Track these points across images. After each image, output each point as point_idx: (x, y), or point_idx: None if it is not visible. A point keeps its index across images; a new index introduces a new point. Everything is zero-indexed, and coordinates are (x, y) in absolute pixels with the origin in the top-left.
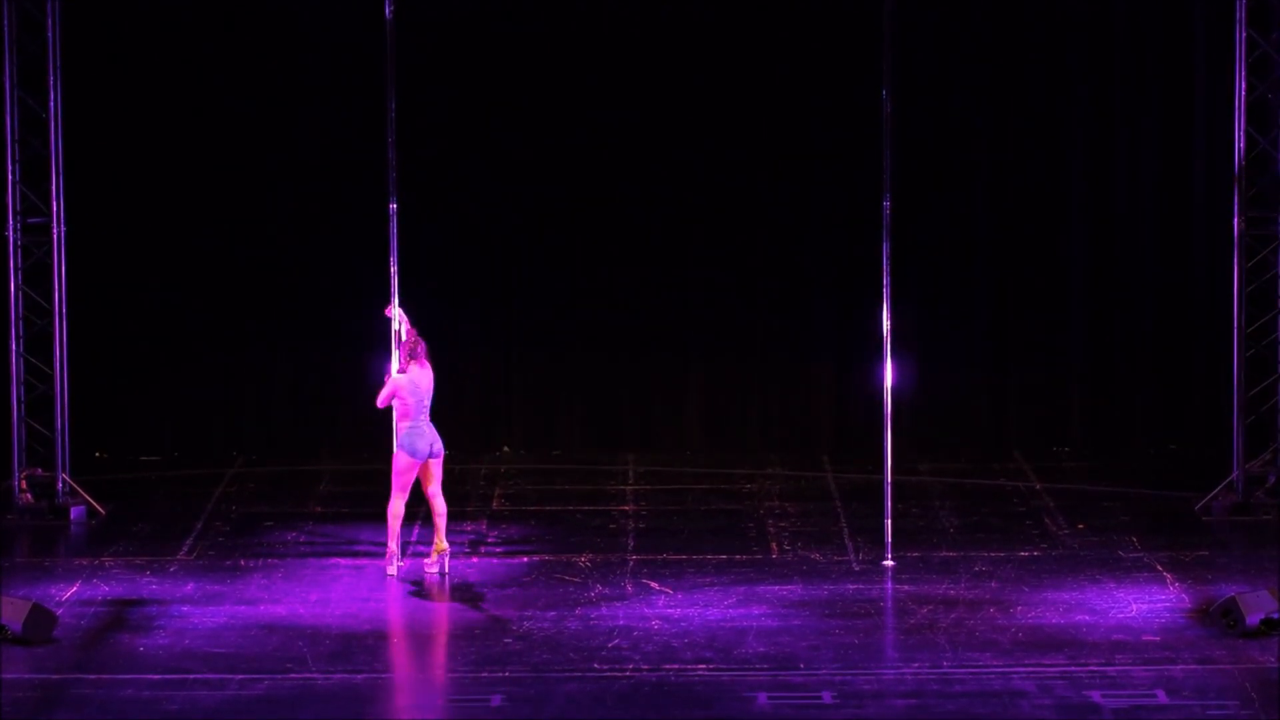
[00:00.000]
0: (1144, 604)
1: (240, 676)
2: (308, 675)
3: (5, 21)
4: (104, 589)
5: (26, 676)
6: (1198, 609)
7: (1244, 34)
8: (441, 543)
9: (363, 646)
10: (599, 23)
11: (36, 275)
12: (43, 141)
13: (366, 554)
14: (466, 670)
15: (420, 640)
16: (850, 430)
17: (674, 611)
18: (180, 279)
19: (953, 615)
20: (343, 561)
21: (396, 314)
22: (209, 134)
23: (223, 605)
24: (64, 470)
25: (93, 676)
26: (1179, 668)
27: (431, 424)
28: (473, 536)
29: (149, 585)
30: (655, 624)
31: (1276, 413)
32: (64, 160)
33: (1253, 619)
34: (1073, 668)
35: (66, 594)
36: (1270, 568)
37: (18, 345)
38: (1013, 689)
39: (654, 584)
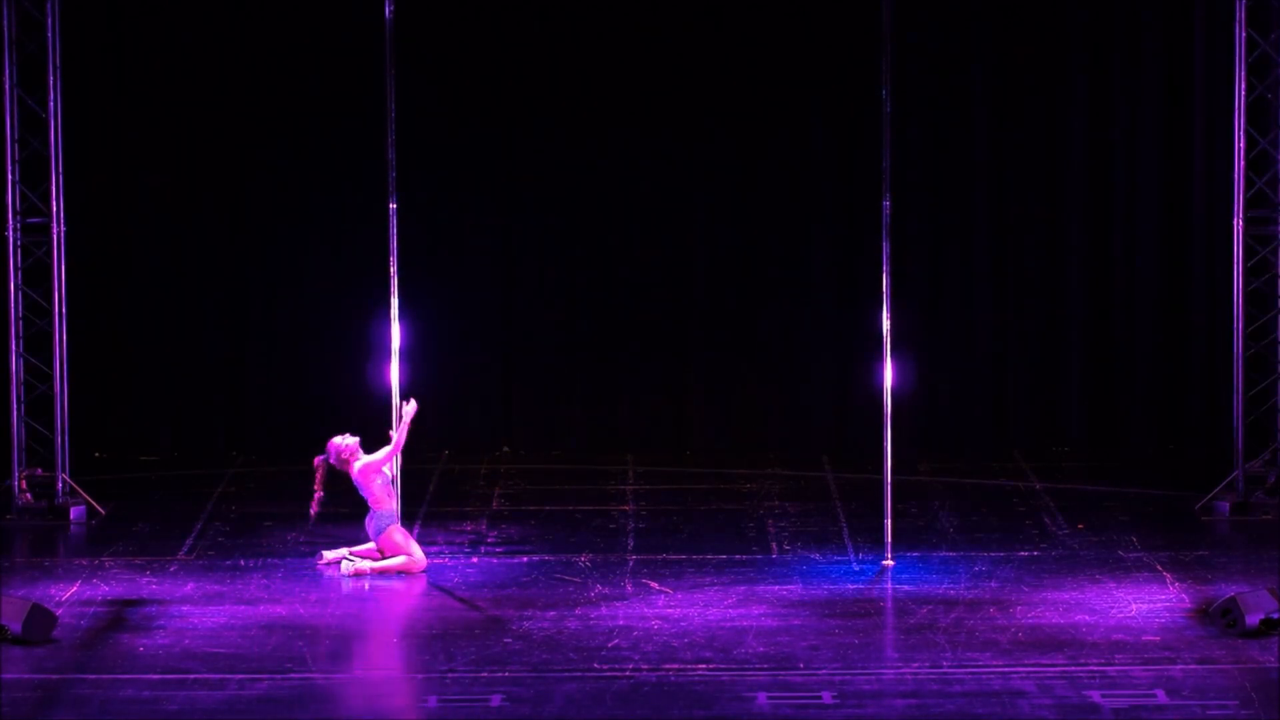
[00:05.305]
0: (1144, 604)
1: (240, 676)
2: (308, 675)
3: (5, 21)
4: (104, 589)
5: (26, 677)
6: (1197, 609)
7: (1244, 34)
8: (357, 560)
9: (363, 646)
10: (598, 22)
11: (36, 275)
12: (42, 141)
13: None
14: (466, 670)
15: (420, 640)
16: (850, 430)
17: (674, 611)
18: (180, 279)
19: (952, 615)
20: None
21: (409, 412)
22: (209, 134)
23: (223, 605)
24: (64, 470)
25: (92, 677)
26: (1179, 668)
27: (372, 513)
28: (473, 536)
29: (149, 585)
30: (655, 624)
31: (1276, 413)
32: (64, 160)
33: (1252, 619)
34: (1072, 668)
35: (66, 594)
36: (1270, 568)
37: (17, 345)
38: (1012, 689)
39: (654, 584)
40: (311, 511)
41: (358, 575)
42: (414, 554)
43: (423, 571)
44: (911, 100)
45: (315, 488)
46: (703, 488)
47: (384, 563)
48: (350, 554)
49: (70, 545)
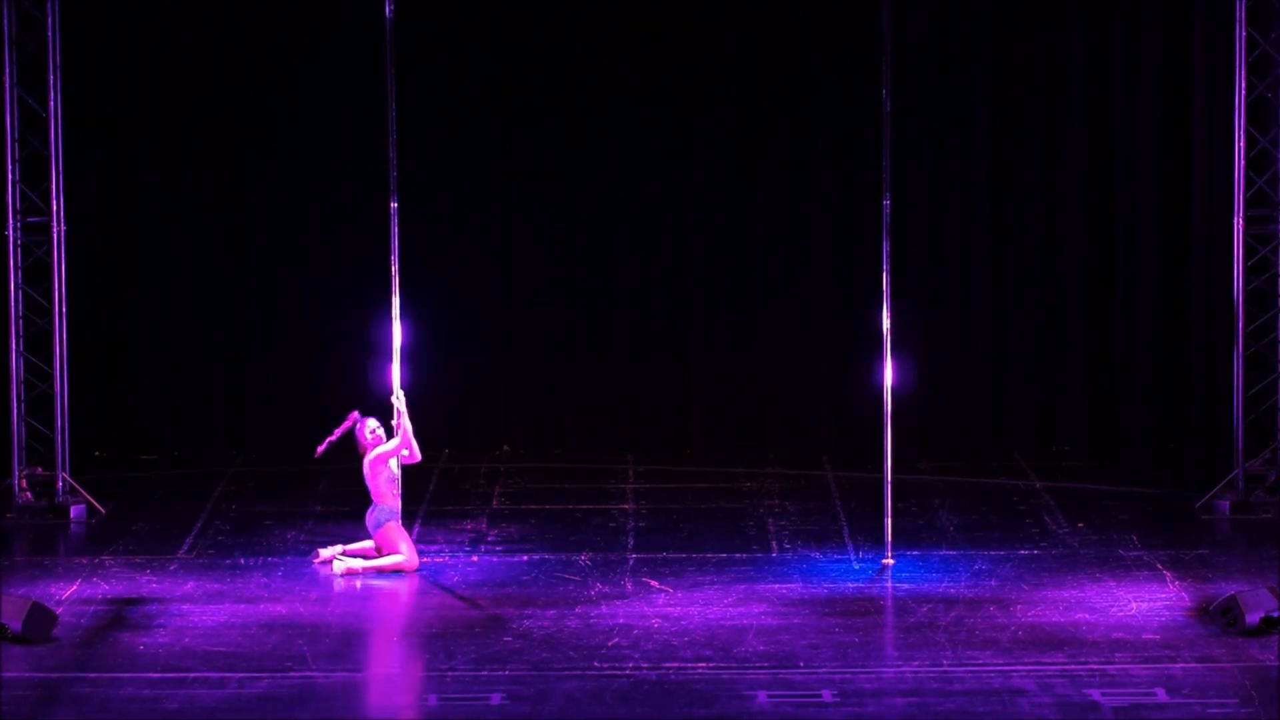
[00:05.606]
0: (1144, 602)
1: (240, 675)
2: (308, 674)
3: (5, 21)
4: (104, 588)
5: (26, 675)
6: (1197, 607)
7: (1244, 34)
8: (348, 559)
9: (362, 645)
10: (598, 22)
11: (36, 275)
12: (42, 140)
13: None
14: (466, 668)
15: (420, 638)
16: (850, 429)
17: (674, 610)
18: (180, 278)
19: (952, 614)
20: None
21: (400, 400)
22: (208, 133)
23: (223, 604)
24: (64, 469)
25: (92, 675)
26: (1179, 666)
27: (373, 507)
28: (473, 535)
29: (149, 584)
30: (655, 622)
31: (1276, 412)
32: (63, 159)
33: (1252, 617)
34: (1072, 666)
35: (66, 593)
36: (1270, 566)
37: (17, 344)
38: (1012, 687)
39: (654, 582)
40: (318, 450)
41: (349, 574)
42: (408, 554)
43: (416, 571)
44: (911, 100)
45: (334, 432)
46: (703, 487)
47: (377, 561)
48: (343, 552)
49: (70, 544)
